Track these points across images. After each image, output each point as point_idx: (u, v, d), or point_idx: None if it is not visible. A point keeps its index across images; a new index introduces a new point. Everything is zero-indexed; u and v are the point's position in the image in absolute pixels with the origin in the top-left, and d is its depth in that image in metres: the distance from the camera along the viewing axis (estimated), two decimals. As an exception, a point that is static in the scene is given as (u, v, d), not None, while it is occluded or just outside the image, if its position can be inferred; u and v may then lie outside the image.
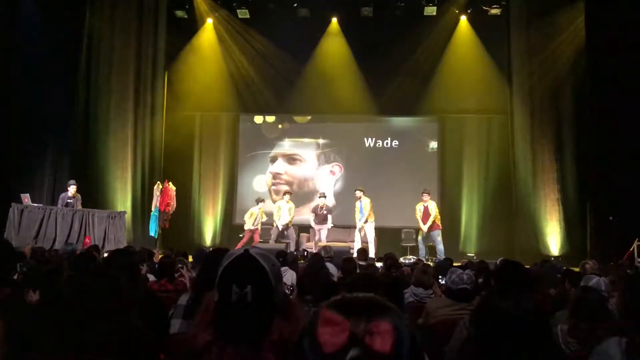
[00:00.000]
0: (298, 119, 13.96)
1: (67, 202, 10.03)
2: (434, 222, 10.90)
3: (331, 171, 13.75)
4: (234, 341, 1.32)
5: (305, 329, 0.82)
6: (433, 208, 10.96)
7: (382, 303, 0.82)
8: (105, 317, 1.43)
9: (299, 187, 13.70)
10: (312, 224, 11.46)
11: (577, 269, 6.28)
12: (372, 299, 0.83)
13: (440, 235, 10.98)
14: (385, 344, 0.76)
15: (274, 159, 13.93)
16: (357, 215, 11.06)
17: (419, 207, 11.07)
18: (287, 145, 13.95)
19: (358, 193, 11.07)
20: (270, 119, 13.98)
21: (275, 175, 13.86)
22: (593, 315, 2.58)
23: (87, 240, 9.61)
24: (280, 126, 13.96)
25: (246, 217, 11.74)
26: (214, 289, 1.38)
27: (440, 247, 10.87)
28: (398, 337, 0.77)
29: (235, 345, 1.32)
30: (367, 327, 0.77)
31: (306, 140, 13.91)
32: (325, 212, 11.36)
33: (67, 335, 1.44)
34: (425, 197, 11.03)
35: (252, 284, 1.32)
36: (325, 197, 11.71)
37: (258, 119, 13.99)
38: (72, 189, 10.10)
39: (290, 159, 13.92)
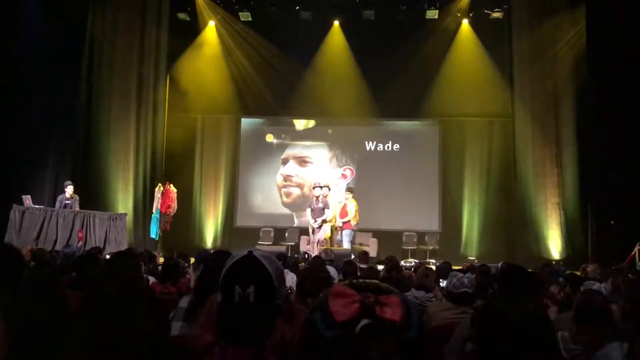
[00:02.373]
0: (299, 122, 13.94)
1: (66, 204, 10.04)
2: (348, 221, 10.62)
3: (342, 174, 13.69)
4: (235, 342, 1.33)
5: (316, 305, 0.84)
6: (352, 208, 10.65)
7: (387, 287, 0.86)
8: (124, 318, 1.44)
9: (310, 190, 13.57)
10: (310, 220, 10.56)
11: (577, 273, 6.29)
12: (378, 283, 0.86)
13: (350, 237, 10.64)
14: (395, 314, 0.79)
15: (285, 161, 13.92)
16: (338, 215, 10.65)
17: (341, 204, 10.91)
18: (293, 149, 13.92)
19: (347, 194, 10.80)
20: (269, 128, 13.99)
21: (287, 178, 13.83)
22: (597, 318, 2.57)
23: (79, 234, 9.58)
24: (283, 136, 13.96)
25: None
26: (217, 290, 1.39)
27: (345, 245, 10.48)
28: (407, 309, 0.81)
29: (237, 346, 1.32)
30: (377, 299, 0.80)
31: (307, 143, 13.90)
32: (321, 205, 10.40)
33: (85, 336, 1.45)
34: (347, 194, 10.86)
35: (255, 285, 1.33)
36: (321, 187, 10.59)
37: (269, 137, 13.98)
38: (69, 190, 10.11)
39: (302, 161, 13.88)
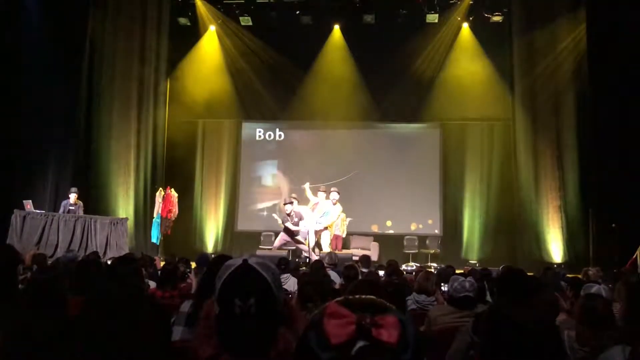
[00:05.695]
0: (300, 126, 13.92)
1: (69, 209, 10.07)
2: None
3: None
4: (240, 354, 1.29)
5: (311, 323, 0.82)
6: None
7: (383, 303, 0.84)
8: (126, 324, 1.44)
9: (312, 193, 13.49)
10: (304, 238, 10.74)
11: (578, 275, 6.28)
12: (373, 299, 0.85)
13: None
14: (392, 335, 0.78)
15: (290, 164, 13.83)
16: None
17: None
18: (294, 153, 13.85)
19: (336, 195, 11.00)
20: (270, 132, 13.99)
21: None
22: (600, 322, 2.56)
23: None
24: (283, 140, 13.92)
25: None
26: (214, 300, 1.34)
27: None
28: (403, 329, 0.80)
29: (241, 358, 1.29)
30: (373, 320, 0.79)
31: (307, 147, 13.85)
32: (296, 219, 10.66)
33: (86, 342, 1.45)
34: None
35: (255, 297, 1.28)
36: (291, 203, 10.85)
37: (269, 141, 13.97)
38: (72, 197, 10.14)
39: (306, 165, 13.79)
